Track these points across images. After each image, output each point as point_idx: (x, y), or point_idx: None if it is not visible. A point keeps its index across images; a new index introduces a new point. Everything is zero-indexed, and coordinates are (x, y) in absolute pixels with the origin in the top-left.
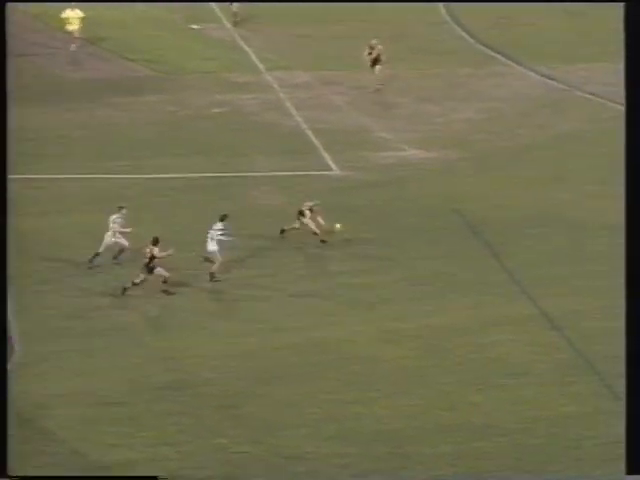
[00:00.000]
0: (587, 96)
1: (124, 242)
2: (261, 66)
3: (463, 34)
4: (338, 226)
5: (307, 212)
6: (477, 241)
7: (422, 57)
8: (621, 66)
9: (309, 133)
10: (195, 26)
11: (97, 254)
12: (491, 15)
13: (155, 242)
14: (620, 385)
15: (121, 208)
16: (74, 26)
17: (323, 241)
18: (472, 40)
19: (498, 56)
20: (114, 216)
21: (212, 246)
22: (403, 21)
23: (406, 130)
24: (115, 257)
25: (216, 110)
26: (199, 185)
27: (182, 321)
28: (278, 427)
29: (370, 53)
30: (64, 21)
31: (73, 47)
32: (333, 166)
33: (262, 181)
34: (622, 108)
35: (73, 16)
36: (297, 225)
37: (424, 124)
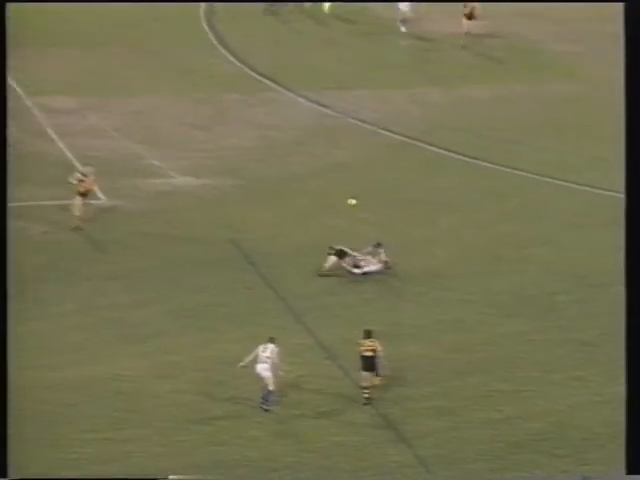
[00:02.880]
0: (358, 123)
1: None
2: (20, 90)
3: (231, 58)
4: (353, 201)
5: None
6: (252, 271)
7: (190, 81)
8: (387, 93)
9: (74, 161)
10: None
11: None
12: (256, 39)
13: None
14: (393, 413)
15: None
16: None
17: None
18: (239, 64)
19: (267, 81)
20: None
21: None
22: (170, 45)
23: (176, 157)
24: None
25: None
26: None
27: None
28: (44, 469)
29: (465, 6)
30: None
31: None
32: (100, 195)
33: (26, 211)
34: (393, 135)
35: None
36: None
37: (194, 151)
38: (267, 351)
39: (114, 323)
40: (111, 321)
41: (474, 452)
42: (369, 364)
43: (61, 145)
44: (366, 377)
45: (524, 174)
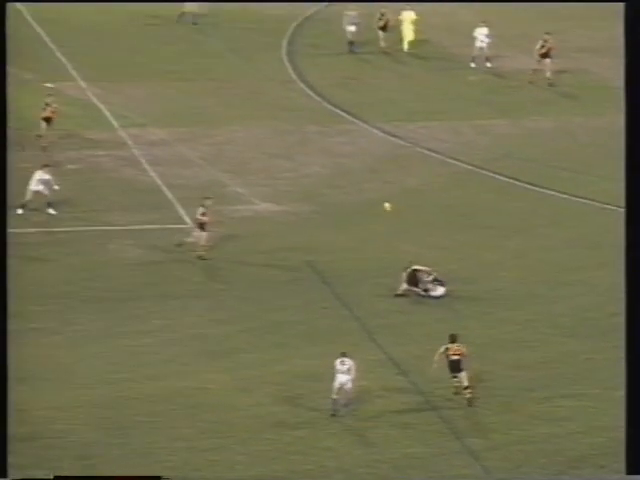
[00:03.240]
0: (427, 152)
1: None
2: (115, 123)
3: (310, 92)
4: (387, 205)
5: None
6: (328, 292)
7: (272, 114)
8: (456, 124)
9: (164, 188)
10: (50, 84)
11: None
12: (336, 74)
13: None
14: (461, 426)
15: None
16: None
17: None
18: (319, 98)
19: (343, 114)
20: None
21: None
22: (253, 79)
23: (258, 184)
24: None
25: (71, 167)
26: (55, 240)
27: (31, 372)
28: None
29: (543, 46)
30: None
31: None
32: (188, 220)
33: (120, 234)
34: (461, 164)
35: None
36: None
37: (275, 179)
38: (345, 364)
39: (199, 339)
40: (196, 337)
41: (538, 465)
42: (457, 367)
43: (152, 174)
44: (461, 378)
45: (586, 202)
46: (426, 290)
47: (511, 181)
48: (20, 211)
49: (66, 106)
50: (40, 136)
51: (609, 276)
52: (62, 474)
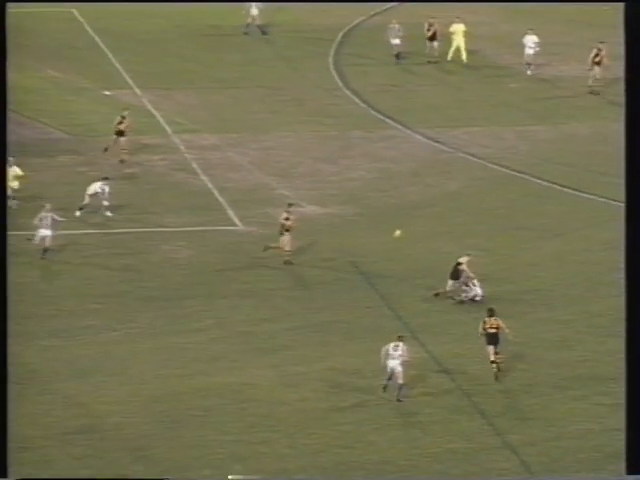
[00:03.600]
0: (468, 157)
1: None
2: (169, 129)
3: (355, 99)
4: (398, 232)
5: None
6: (372, 292)
7: (318, 120)
8: (497, 130)
9: (215, 192)
10: (107, 92)
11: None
12: (380, 82)
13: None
14: (501, 423)
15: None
16: (13, 183)
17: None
18: (363, 105)
19: (388, 120)
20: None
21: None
22: (300, 87)
23: (304, 188)
24: None
25: (126, 171)
26: (110, 241)
27: (90, 367)
28: (185, 467)
29: (597, 55)
30: None
31: (14, 204)
32: (237, 222)
33: (172, 236)
34: (501, 169)
35: (12, 174)
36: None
37: (321, 182)
38: (398, 349)
39: (247, 336)
40: (244, 334)
41: (575, 461)
42: (494, 340)
43: (204, 177)
44: (492, 351)
45: (621, 204)
46: (466, 285)
47: (550, 185)
48: (78, 213)
49: (122, 113)
50: (107, 149)
51: (624, 275)
52: (118, 465)
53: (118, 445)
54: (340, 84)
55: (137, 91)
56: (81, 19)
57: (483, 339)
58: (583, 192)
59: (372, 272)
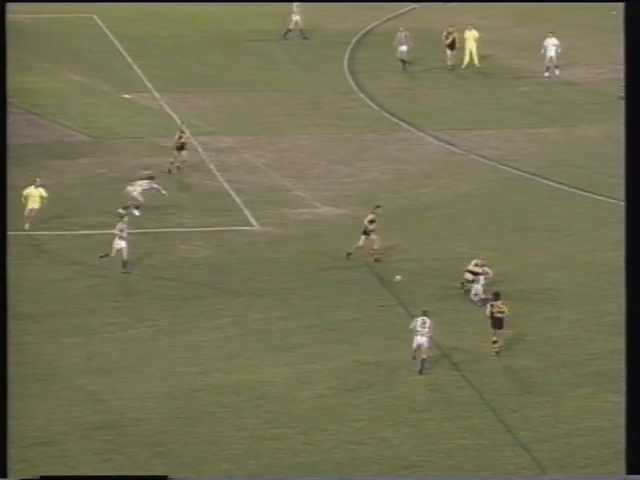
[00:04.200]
0: (480, 159)
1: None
2: (186, 131)
3: (369, 102)
4: (398, 278)
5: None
6: (385, 291)
7: (333, 123)
8: (508, 132)
9: (232, 192)
10: (126, 95)
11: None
12: (393, 85)
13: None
14: (512, 419)
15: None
16: (35, 205)
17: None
18: (377, 108)
19: (401, 123)
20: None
21: None
22: (315, 90)
23: (319, 189)
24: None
25: (145, 172)
26: (130, 241)
27: (109, 364)
28: (202, 462)
29: None
30: (25, 198)
31: (27, 226)
32: (254, 222)
33: (190, 236)
34: (512, 170)
35: (35, 194)
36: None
37: (335, 184)
38: (426, 325)
39: (263, 335)
40: (261, 333)
41: (585, 457)
42: (499, 323)
43: (221, 179)
44: (497, 334)
45: None
46: (475, 273)
47: (560, 186)
48: (137, 212)
49: (141, 115)
50: (172, 163)
51: (624, 275)
52: (137, 460)
53: (136, 441)
54: (355, 87)
55: (156, 94)
56: (101, 24)
57: (488, 322)
58: (593, 193)
59: (386, 271)
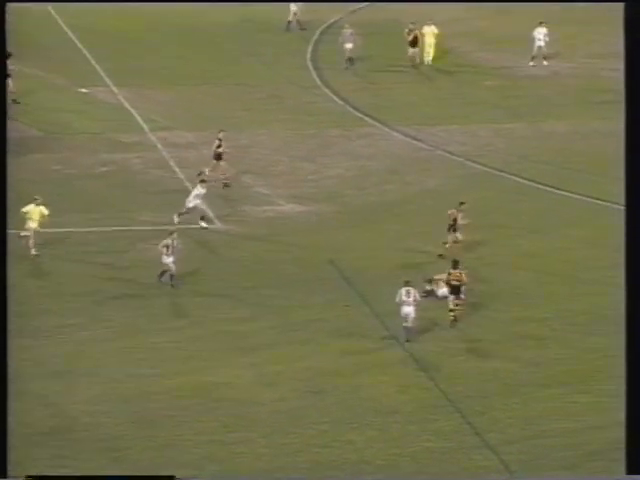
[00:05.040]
0: (447, 155)
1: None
2: (145, 127)
3: (333, 97)
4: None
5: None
6: (350, 290)
7: (296, 118)
8: (474, 127)
9: (192, 190)
10: (83, 89)
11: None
12: (357, 79)
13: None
14: (479, 422)
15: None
16: (34, 223)
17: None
18: (341, 102)
19: (365, 118)
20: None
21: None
22: (277, 84)
23: (282, 186)
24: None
25: (102, 169)
26: (86, 240)
27: (65, 366)
28: (159, 468)
29: None
30: (24, 216)
31: (33, 251)
32: (215, 220)
33: (148, 234)
34: (479, 166)
35: (35, 212)
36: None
37: (299, 180)
38: (410, 294)
39: (225, 335)
40: (222, 333)
41: (555, 459)
42: (455, 291)
43: (181, 175)
44: (453, 300)
45: (601, 203)
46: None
47: (528, 183)
48: (176, 219)
49: (98, 110)
50: (208, 172)
51: (624, 275)
52: (91, 466)
53: (92, 446)
54: (318, 82)
55: (113, 89)
56: (56, 16)
57: (446, 289)
58: (561, 190)
59: (350, 270)
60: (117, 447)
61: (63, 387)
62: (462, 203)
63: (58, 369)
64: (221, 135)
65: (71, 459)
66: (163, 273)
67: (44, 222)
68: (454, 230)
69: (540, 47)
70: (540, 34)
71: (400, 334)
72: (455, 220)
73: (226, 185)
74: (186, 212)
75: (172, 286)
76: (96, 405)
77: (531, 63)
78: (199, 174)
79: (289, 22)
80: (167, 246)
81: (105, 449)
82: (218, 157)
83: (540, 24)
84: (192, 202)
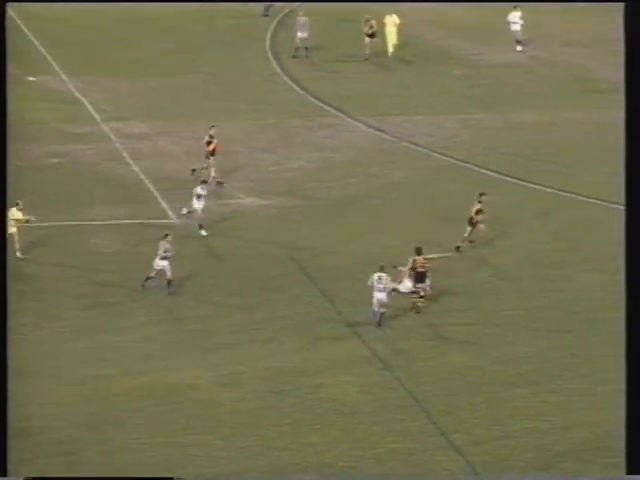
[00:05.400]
0: (412, 147)
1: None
2: (97, 117)
3: (294, 85)
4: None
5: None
6: (312, 286)
7: (256, 108)
8: (439, 118)
9: (147, 182)
10: (32, 78)
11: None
12: (319, 68)
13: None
14: (445, 422)
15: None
16: (13, 229)
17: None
18: (302, 92)
19: (327, 107)
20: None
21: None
22: (237, 73)
23: (242, 179)
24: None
25: (53, 160)
26: (40, 236)
27: (19, 367)
28: (115, 472)
29: None
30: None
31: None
32: (171, 214)
33: (101, 229)
34: (445, 158)
35: (16, 216)
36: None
37: (259, 172)
38: (382, 280)
39: (184, 334)
40: (181, 332)
41: (522, 460)
42: (421, 278)
43: (135, 168)
44: (420, 288)
45: (570, 195)
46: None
47: (495, 175)
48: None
49: (48, 100)
50: (204, 169)
51: (593, 271)
52: (46, 470)
53: (47, 450)
54: (278, 70)
55: (64, 77)
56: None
57: (412, 276)
58: (529, 182)
59: (312, 266)
60: (72, 450)
61: (18, 389)
62: (482, 194)
63: (15, 371)
64: (212, 131)
65: (26, 463)
66: (148, 278)
67: (21, 227)
68: (471, 224)
69: (516, 31)
70: (515, 17)
71: (370, 321)
72: (477, 212)
73: (219, 183)
74: (189, 212)
75: (169, 293)
76: (52, 407)
77: (518, 48)
78: (193, 172)
79: (266, 8)
80: (166, 250)
81: (60, 453)
82: (212, 153)
83: (515, 8)
84: (196, 204)
